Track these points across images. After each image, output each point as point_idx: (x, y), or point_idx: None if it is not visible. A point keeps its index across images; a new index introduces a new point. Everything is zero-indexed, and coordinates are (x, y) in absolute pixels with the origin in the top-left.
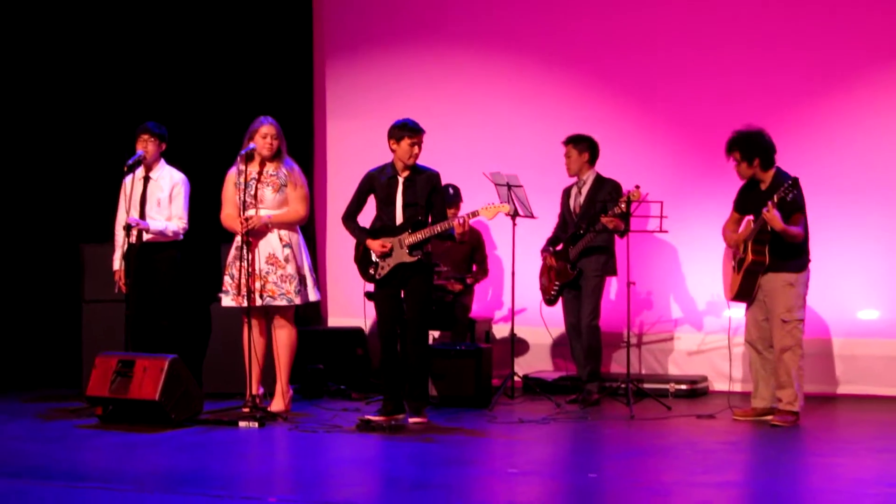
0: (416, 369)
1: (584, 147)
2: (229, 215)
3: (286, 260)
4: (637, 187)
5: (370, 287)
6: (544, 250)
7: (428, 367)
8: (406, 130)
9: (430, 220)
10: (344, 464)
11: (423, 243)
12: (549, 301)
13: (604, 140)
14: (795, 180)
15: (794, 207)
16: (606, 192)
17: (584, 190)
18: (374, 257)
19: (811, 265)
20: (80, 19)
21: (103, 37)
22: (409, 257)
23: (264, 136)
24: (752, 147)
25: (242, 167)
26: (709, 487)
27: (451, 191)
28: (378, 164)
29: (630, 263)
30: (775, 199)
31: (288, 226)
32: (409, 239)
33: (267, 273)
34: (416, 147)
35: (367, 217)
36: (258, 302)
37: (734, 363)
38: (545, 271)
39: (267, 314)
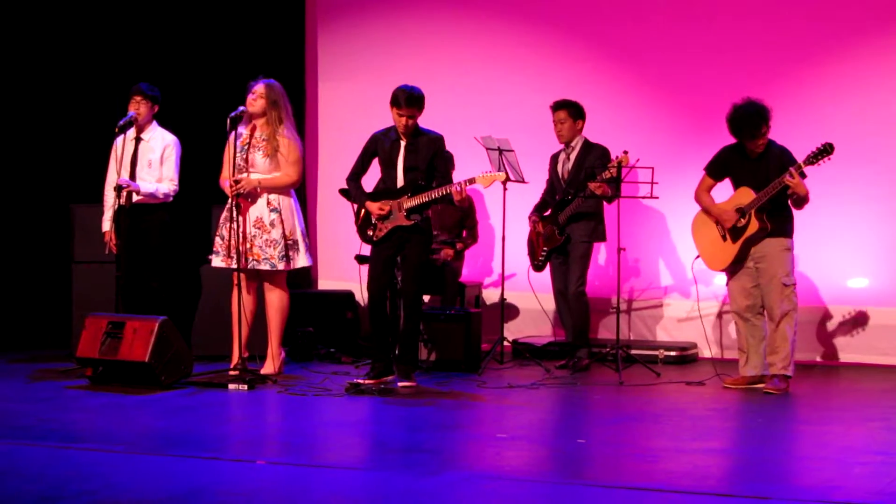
0: (407, 334)
1: (578, 114)
2: (225, 178)
3: (272, 225)
4: (625, 152)
5: (361, 250)
6: (532, 215)
7: (419, 332)
8: (395, 104)
9: (433, 183)
10: (333, 427)
11: (422, 207)
12: (537, 267)
13: (594, 105)
14: (828, 146)
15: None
16: (595, 158)
17: (573, 156)
18: (372, 219)
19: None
20: None
21: None
22: (406, 221)
23: (252, 93)
24: (769, 117)
25: (241, 130)
26: (697, 454)
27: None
28: (369, 127)
29: (620, 229)
30: (799, 166)
31: (279, 190)
32: (408, 202)
33: (254, 237)
34: (406, 119)
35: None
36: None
37: (723, 330)
38: (533, 236)
39: (258, 277)
